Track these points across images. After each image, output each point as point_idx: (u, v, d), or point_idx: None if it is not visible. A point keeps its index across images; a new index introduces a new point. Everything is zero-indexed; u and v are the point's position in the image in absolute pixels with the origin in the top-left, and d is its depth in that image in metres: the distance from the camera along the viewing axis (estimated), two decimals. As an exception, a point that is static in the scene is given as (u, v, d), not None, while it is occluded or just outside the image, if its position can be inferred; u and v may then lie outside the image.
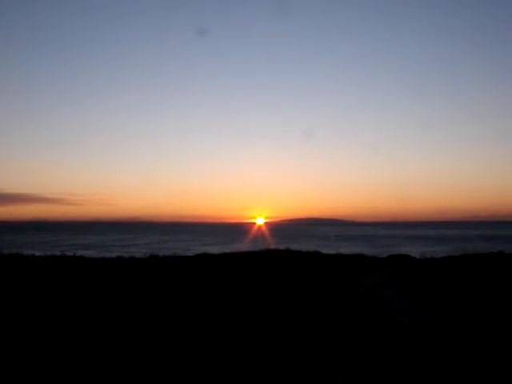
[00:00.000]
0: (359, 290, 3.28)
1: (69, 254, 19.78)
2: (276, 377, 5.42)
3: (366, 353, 2.92)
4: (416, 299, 3.06)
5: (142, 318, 8.17)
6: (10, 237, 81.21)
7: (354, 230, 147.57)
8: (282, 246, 25.79)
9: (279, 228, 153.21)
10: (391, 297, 3.08)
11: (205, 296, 10.20)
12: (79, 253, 21.51)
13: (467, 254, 19.95)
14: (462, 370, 3.05)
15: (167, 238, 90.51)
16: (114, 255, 21.28)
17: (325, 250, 23.12)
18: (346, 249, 32.66)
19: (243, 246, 44.61)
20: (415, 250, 40.68)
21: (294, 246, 26.21)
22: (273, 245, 41.02)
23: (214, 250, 28.22)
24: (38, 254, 20.80)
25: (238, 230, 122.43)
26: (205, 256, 19.62)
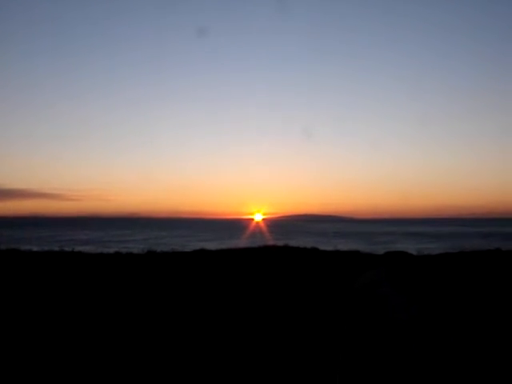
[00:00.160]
0: (356, 286, 3.29)
1: (67, 249, 19.79)
2: (274, 374, 5.44)
3: (363, 349, 2.93)
4: (413, 296, 3.07)
5: (140, 314, 8.19)
6: (8, 232, 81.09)
7: (352, 226, 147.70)
8: (280, 243, 25.84)
9: (277, 224, 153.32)
10: (388, 293, 3.09)
11: (202, 292, 10.21)
12: (77, 248, 21.51)
13: (464, 251, 20.01)
14: (458, 367, 3.06)
15: (165, 233, 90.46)
16: (111, 251, 21.28)
17: (322, 247, 23.17)
18: (343, 245, 32.72)
19: (241, 242, 44.66)
20: (412, 247, 40.82)
21: (292, 243, 26.26)
22: (271, 241, 41.08)
23: (212, 245, 28.23)
24: (35, 249, 20.79)
25: (236, 226, 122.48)
26: (202, 252, 19.64)
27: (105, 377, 5.30)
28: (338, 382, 3.01)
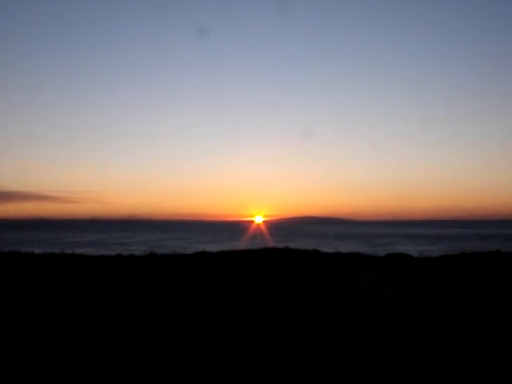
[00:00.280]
0: (357, 288, 3.32)
1: (68, 251, 19.81)
2: (275, 376, 5.46)
3: (363, 351, 2.96)
4: (414, 298, 3.10)
5: (143, 316, 8.22)
6: (7, 234, 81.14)
7: (353, 228, 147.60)
8: (281, 245, 25.84)
9: (278, 226, 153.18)
10: (389, 295, 3.12)
11: (203, 294, 10.24)
12: (78, 251, 21.55)
13: (465, 252, 20.02)
14: (458, 369, 3.09)
15: (165, 235, 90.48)
16: (113, 253, 21.32)
17: (323, 249, 23.18)
18: (344, 247, 32.74)
19: (242, 245, 44.65)
20: (413, 249, 40.79)
21: (293, 245, 26.26)
22: (271, 243, 41.06)
23: (212, 248, 28.26)
24: (37, 251, 20.83)
25: (237, 228, 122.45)
26: (203, 254, 19.66)
27: (106, 377, 5.33)
28: (339, 382, 3.04)
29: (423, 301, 3.20)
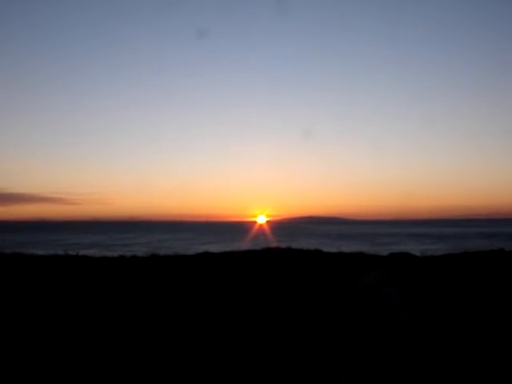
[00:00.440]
0: (360, 287, 3.35)
1: (72, 253, 19.87)
2: (278, 374, 5.48)
3: (366, 349, 2.99)
4: (417, 297, 3.14)
5: (147, 316, 8.25)
6: (10, 236, 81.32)
7: (355, 228, 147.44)
8: (284, 245, 25.86)
9: (280, 226, 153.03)
10: (392, 294, 3.15)
11: (207, 295, 10.27)
12: (82, 252, 21.61)
13: (468, 251, 20.01)
14: (461, 367, 3.11)
15: (167, 236, 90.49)
16: (116, 254, 21.37)
17: (326, 249, 23.19)
18: (347, 247, 32.71)
19: (244, 245, 44.64)
20: (416, 248, 40.76)
21: (296, 245, 26.29)
22: (274, 243, 41.06)
23: (215, 248, 28.28)
24: (40, 253, 20.90)
25: (239, 228, 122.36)
26: (206, 255, 19.69)
27: (108, 375, 5.36)
28: (342, 382, 3.07)
29: (426, 300, 3.23)
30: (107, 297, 10.02)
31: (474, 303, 8.61)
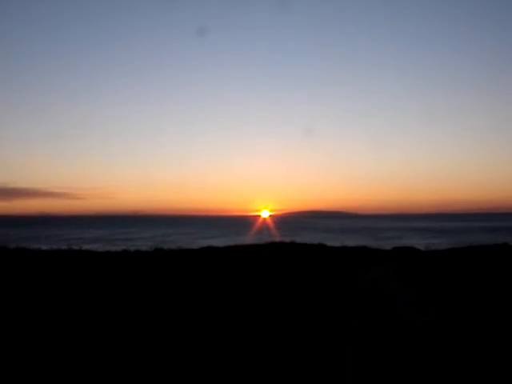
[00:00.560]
0: (364, 282, 3.33)
1: (75, 247, 19.94)
2: (282, 367, 5.48)
3: (370, 344, 2.97)
4: (421, 291, 3.12)
5: (152, 311, 8.26)
6: (14, 231, 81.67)
7: (359, 222, 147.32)
8: (287, 239, 25.91)
9: (284, 221, 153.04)
10: (396, 289, 3.14)
11: (212, 288, 10.28)
12: (85, 247, 21.69)
13: (472, 245, 19.98)
14: (465, 362, 3.09)
15: (171, 231, 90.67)
16: (119, 249, 21.42)
17: (329, 243, 23.20)
18: (350, 241, 32.72)
19: (248, 239, 44.71)
20: (419, 242, 40.72)
21: (299, 239, 26.32)
22: (278, 237, 41.10)
23: (219, 242, 28.30)
24: (44, 248, 20.97)
25: (243, 222, 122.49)
26: (210, 249, 19.72)
27: (112, 370, 5.37)
28: (346, 376, 3.06)
29: (431, 294, 3.20)
30: (111, 291, 10.04)
31: (480, 298, 8.57)
